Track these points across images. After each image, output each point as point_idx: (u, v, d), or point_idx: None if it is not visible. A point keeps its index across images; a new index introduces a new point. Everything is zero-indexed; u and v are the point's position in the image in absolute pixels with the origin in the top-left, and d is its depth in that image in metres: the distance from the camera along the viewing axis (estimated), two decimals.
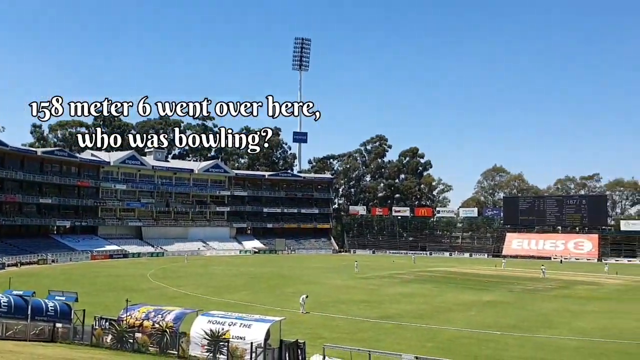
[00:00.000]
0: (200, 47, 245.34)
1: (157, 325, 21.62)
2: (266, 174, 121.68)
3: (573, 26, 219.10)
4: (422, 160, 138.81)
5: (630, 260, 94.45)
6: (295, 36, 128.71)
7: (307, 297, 33.84)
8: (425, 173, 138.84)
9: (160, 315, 22.05)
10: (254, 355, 19.19)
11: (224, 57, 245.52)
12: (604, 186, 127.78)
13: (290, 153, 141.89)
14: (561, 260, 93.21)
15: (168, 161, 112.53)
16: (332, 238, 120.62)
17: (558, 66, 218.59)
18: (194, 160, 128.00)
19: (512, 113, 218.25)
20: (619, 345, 25.65)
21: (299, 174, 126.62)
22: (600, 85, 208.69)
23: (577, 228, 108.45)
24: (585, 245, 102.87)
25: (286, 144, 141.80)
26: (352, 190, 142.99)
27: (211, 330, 20.24)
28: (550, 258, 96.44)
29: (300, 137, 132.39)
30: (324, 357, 18.98)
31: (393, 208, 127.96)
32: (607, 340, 26.68)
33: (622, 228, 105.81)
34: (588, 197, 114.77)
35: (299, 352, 19.82)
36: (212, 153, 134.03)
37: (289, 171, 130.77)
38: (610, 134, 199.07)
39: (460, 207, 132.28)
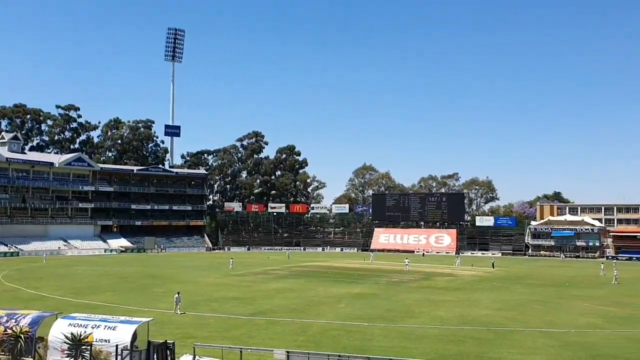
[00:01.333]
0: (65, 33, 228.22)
1: (9, 331, 19.74)
2: (135, 168, 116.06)
3: (432, 37, 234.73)
4: (299, 158, 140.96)
5: (483, 253, 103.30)
6: (168, 26, 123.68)
7: (179, 294, 32.71)
8: (301, 170, 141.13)
9: (13, 320, 20.15)
10: (119, 358, 18.25)
11: (96, 44, 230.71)
12: (461, 185, 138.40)
13: (162, 147, 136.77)
14: (423, 254, 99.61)
15: (25, 153, 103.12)
16: (205, 235, 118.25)
17: (419, 73, 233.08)
18: (54, 153, 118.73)
19: (382, 115, 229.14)
20: (473, 331, 27.91)
21: (170, 169, 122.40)
22: (455, 91, 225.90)
23: (438, 223, 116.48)
24: (445, 239, 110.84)
25: (158, 138, 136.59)
26: (228, 186, 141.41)
27: (72, 334, 18.90)
28: (413, 252, 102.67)
29: (172, 131, 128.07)
30: (195, 357, 18.59)
31: (269, 204, 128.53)
32: (463, 327, 28.92)
33: (477, 223, 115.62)
34: (448, 195, 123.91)
35: (168, 352, 19.19)
36: (76, 145, 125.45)
37: (160, 166, 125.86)
38: (468, 136, 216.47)
39: (333, 203, 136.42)
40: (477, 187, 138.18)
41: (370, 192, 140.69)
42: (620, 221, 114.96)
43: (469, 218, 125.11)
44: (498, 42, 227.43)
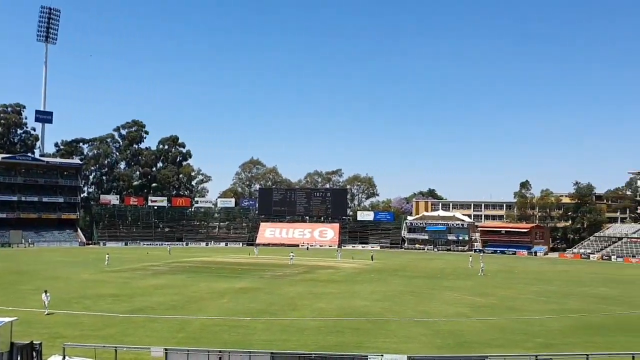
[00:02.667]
0: None
1: None
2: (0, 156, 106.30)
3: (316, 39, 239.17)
4: (183, 150, 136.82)
5: (364, 246, 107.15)
6: (41, 4, 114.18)
7: (46, 292, 30.38)
8: (185, 163, 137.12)
9: None
10: None
11: None
12: (345, 181, 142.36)
13: (33, 135, 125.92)
14: (308, 248, 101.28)
15: None
16: (79, 229, 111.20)
17: (305, 70, 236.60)
18: None
19: (269, 110, 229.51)
20: (352, 322, 28.85)
21: (41, 158, 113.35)
22: (339, 89, 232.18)
23: (322, 218, 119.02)
24: (329, 233, 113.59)
25: (28, 125, 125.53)
26: (104, 177, 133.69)
27: None
28: (298, 245, 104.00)
29: (44, 117, 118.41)
30: (64, 357, 17.43)
31: (149, 198, 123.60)
32: (342, 318, 29.79)
33: (359, 218, 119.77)
34: (332, 191, 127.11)
35: (34, 354, 17.83)
36: None
37: (30, 154, 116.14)
38: (352, 133, 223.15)
39: (218, 197, 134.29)
40: (359, 183, 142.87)
41: (257, 186, 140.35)
42: (487, 217, 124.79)
43: (351, 213, 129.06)
44: (379, 40, 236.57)
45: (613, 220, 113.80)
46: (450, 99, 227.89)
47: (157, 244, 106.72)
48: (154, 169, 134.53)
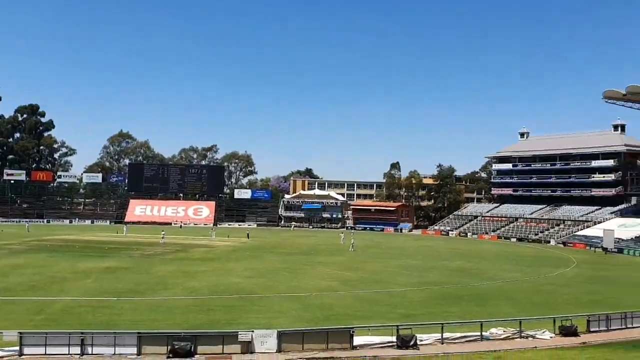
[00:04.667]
0: None
1: None
2: None
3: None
4: (43, 120, 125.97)
5: (240, 224, 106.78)
6: None
7: None
8: (46, 134, 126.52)
9: None
10: None
11: None
12: (222, 158, 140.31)
13: None
14: (181, 226, 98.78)
15: None
16: None
17: (179, 43, 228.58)
18: None
19: (140, 81, 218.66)
20: (224, 300, 28.84)
21: None
22: (214, 65, 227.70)
23: (197, 196, 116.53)
24: (204, 211, 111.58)
25: None
26: None
27: None
28: (171, 224, 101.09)
29: None
30: None
31: (5, 171, 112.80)
32: (214, 296, 29.66)
33: (236, 196, 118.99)
34: (208, 167, 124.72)
35: None
36: None
37: None
38: (230, 109, 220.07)
39: (84, 172, 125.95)
40: (236, 160, 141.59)
41: (127, 161, 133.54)
42: (359, 196, 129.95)
43: (227, 191, 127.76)
44: (257, 16, 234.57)
45: (470, 200, 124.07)
46: (325, 80, 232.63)
47: (14, 221, 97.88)
48: (10, 139, 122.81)
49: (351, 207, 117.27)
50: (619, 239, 67.86)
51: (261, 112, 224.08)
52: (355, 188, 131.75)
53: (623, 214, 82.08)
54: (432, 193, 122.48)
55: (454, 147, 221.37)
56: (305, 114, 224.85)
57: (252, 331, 19.42)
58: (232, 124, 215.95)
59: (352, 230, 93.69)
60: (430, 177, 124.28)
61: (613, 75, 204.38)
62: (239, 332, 19.22)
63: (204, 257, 49.53)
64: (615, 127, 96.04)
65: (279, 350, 19.18)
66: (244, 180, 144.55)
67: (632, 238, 68.35)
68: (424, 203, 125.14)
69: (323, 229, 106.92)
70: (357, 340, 20.09)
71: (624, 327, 24.09)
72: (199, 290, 31.30)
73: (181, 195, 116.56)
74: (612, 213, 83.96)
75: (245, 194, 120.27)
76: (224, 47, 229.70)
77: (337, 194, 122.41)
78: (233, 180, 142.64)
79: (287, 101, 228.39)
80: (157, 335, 19.10)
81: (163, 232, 66.77)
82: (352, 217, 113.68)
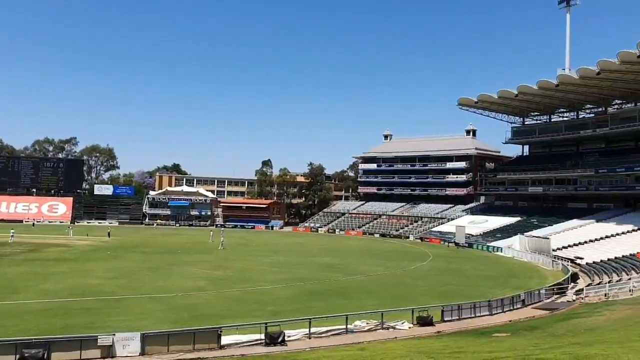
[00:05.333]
0: None
1: None
2: None
3: None
4: None
5: (101, 222, 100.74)
6: None
7: None
8: None
9: None
10: None
11: None
12: (81, 151, 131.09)
13: None
14: (34, 224, 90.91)
15: None
16: None
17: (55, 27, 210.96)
18: None
19: None
20: (83, 302, 27.02)
21: None
22: (69, 50, 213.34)
23: (53, 191, 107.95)
24: (60, 208, 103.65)
25: None
26: None
27: None
28: (22, 221, 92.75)
29: None
30: None
31: None
32: (72, 299, 27.67)
33: (96, 192, 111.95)
34: (65, 161, 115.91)
35: None
36: None
37: None
38: (90, 100, 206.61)
39: None
40: (97, 154, 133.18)
41: None
42: (230, 193, 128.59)
43: (87, 186, 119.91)
44: (133, 9, 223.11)
45: (339, 198, 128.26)
46: (194, 73, 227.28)
47: None
48: None
49: (221, 204, 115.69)
50: (469, 234, 74.01)
51: (125, 104, 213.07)
52: (225, 185, 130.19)
53: (473, 211, 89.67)
54: (303, 191, 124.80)
55: (325, 146, 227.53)
56: (172, 107, 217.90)
57: (113, 334, 18.44)
58: (94, 116, 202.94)
59: (222, 228, 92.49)
60: (301, 175, 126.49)
61: (469, 83, 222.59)
62: (99, 336, 18.18)
63: (60, 258, 45.99)
64: (468, 132, 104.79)
65: (143, 353, 18.43)
66: (106, 176, 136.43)
67: (480, 234, 74.91)
68: (295, 200, 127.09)
69: (191, 227, 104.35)
70: (225, 339, 19.87)
71: (473, 315, 26.36)
72: (54, 293, 29.02)
73: (34, 190, 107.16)
74: (463, 211, 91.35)
75: (107, 189, 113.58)
76: (87, 34, 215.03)
77: (207, 190, 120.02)
78: (93, 175, 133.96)
79: (153, 94, 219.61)
80: (4, 342, 17.40)
81: (12, 231, 60.91)
82: (222, 214, 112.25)
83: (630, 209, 65.40)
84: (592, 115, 77.93)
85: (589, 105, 77.74)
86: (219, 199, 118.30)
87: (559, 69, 73.33)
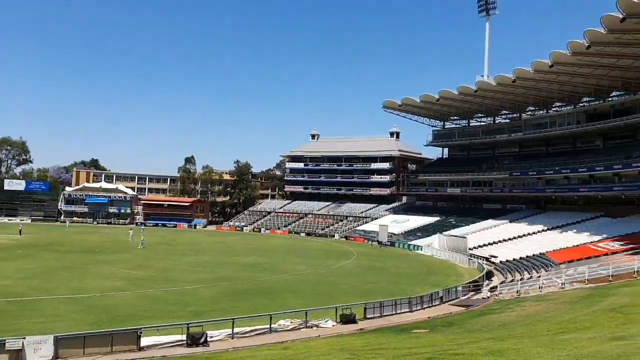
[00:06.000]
0: None
1: None
2: None
3: None
4: None
5: (11, 219, 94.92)
6: None
7: None
8: None
9: None
10: None
11: None
12: None
13: None
14: None
15: None
16: None
17: None
18: None
19: None
20: None
21: None
22: None
23: None
24: None
25: None
26: None
27: None
28: None
29: None
30: None
31: None
32: None
33: (6, 187, 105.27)
34: None
35: None
36: None
37: None
38: (1, 90, 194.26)
39: None
40: (8, 147, 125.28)
41: None
42: (151, 190, 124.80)
43: None
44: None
45: (265, 196, 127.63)
46: (113, 65, 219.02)
47: None
48: None
49: (142, 201, 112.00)
50: (392, 233, 75.88)
51: (40, 95, 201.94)
52: (146, 182, 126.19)
53: (396, 211, 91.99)
54: (228, 189, 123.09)
55: (252, 144, 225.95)
56: (90, 101, 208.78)
57: (24, 338, 17.43)
58: (4, 107, 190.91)
59: (143, 227, 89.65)
60: (227, 173, 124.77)
61: (396, 87, 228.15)
62: (7, 340, 17.12)
63: None
64: (392, 134, 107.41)
65: (57, 357, 17.61)
66: (17, 170, 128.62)
67: (402, 233, 76.97)
68: (220, 199, 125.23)
69: (110, 225, 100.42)
70: (145, 341, 19.31)
71: (394, 312, 27.04)
72: None
73: None
74: (386, 210, 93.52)
75: (18, 185, 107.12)
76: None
77: (127, 187, 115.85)
78: (3, 169, 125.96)
79: (71, 85, 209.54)
80: None
81: None
82: (143, 212, 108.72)
83: (541, 210, 69.40)
84: (508, 120, 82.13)
85: (504, 111, 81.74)
86: (139, 196, 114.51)
87: (478, 76, 76.93)
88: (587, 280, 30.35)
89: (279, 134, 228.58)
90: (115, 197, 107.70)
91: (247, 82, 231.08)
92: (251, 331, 21.80)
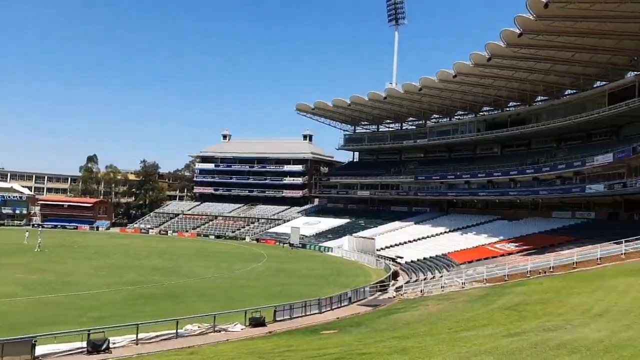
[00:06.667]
0: None
1: None
2: None
3: None
4: None
5: None
6: None
7: None
8: None
9: None
10: None
11: None
12: None
13: None
14: None
15: None
16: None
17: None
18: None
19: None
20: None
21: None
22: None
23: None
24: None
25: None
26: None
27: None
28: None
29: None
30: None
31: None
32: None
33: None
34: None
35: None
36: None
37: None
38: None
39: None
40: None
41: None
42: (50, 190, 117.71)
43: None
44: None
45: (173, 198, 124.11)
46: (8, 54, 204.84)
47: None
48: None
49: (40, 202, 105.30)
50: (304, 235, 76.44)
51: None
52: (45, 181, 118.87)
53: (307, 213, 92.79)
54: (133, 190, 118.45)
55: (160, 144, 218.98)
56: None
57: None
58: None
59: (40, 228, 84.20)
60: (132, 173, 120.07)
61: (310, 90, 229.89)
62: None
63: None
64: (305, 137, 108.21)
65: None
66: None
67: (313, 234, 77.76)
68: (125, 200, 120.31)
69: (3, 227, 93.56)
70: (41, 349, 18.16)
71: (304, 314, 27.23)
72: None
73: None
74: (299, 212, 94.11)
75: None
76: None
77: (23, 186, 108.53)
78: None
79: None
80: None
81: None
82: (41, 213, 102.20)
83: (443, 212, 72.76)
84: (414, 127, 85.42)
85: (411, 118, 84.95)
86: (37, 196, 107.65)
87: (387, 83, 79.51)
88: (485, 279, 32.09)
89: (189, 134, 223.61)
90: (9, 196, 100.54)
91: (155, 80, 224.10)
92: (157, 337, 21.12)
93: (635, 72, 48.45)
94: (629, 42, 42.76)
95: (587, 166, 47.44)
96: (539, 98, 63.73)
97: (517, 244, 45.40)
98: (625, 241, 29.46)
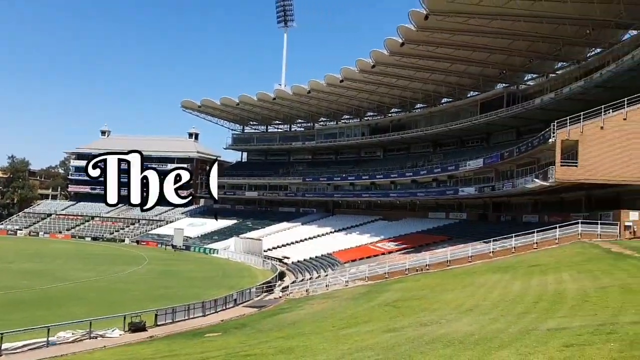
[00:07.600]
0: None
1: None
2: None
3: None
4: None
5: None
6: None
7: None
8: None
9: None
10: None
11: None
12: None
13: None
14: None
15: None
16: None
17: None
18: None
19: None
20: None
21: None
22: None
23: None
24: None
25: None
26: None
27: None
28: None
29: None
30: None
31: None
32: None
33: None
34: None
35: None
36: None
37: None
38: None
39: None
40: None
41: None
42: None
43: None
44: None
45: (45, 197, 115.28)
46: None
47: None
48: None
49: None
50: (188, 237, 74.49)
51: None
52: None
53: (192, 214, 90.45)
54: (0, 187, 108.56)
55: (32, 139, 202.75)
56: None
57: None
58: None
59: None
60: None
61: (202, 88, 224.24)
62: None
63: None
64: (190, 135, 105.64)
65: None
66: None
67: (198, 236, 76.06)
68: None
69: None
70: None
71: (187, 318, 26.55)
72: None
73: None
74: (183, 213, 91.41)
75: None
76: None
77: None
78: None
79: None
80: None
81: None
82: None
83: (330, 213, 74.44)
84: (303, 129, 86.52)
85: (300, 120, 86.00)
86: None
87: (276, 84, 79.85)
88: (367, 277, 33.26)
89: (66, 130, 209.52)
90: None
91: (27, 70, 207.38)
92: (24, 346, 19.57)
93: (504, 84, 52.94)
94: (499, 55, 46.55)
95: (460, 170, 50.96)
96: (418, 105, 67.32)
97: (396, 243, 47.56)
98: (493, 240, 31.99)
